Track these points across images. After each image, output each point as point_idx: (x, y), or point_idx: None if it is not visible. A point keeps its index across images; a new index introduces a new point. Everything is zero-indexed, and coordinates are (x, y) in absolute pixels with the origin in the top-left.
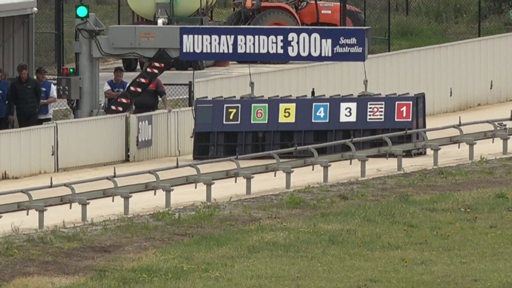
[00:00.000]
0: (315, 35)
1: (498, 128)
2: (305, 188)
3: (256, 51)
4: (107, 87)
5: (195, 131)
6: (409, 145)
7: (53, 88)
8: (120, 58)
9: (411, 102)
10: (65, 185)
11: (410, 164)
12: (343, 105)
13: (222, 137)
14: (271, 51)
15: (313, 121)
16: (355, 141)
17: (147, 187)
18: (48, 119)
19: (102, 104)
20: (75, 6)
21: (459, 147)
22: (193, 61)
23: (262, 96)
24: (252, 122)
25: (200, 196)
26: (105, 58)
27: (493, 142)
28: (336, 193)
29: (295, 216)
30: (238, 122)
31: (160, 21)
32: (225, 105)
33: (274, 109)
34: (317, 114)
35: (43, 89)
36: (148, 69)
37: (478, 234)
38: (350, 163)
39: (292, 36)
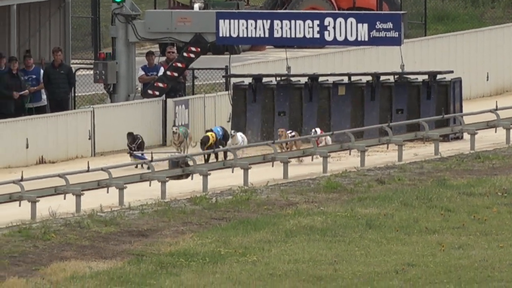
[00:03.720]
0: (351, 20)
1: None
2: (342, 173)
3: (293, 35)
4: (141, 73)
5: (232, 115)
6: (446, 130)
7: (42, 73)
8: (157, 42)
9: None
10: (102, 169)
11: (447, 148)
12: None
13: (259, 121)
14: (307, 36)
15: None
16: (392, 125)
17: (184, 172)
18: (44, 107)
19: (139, 89)
20: None
21: (496, 132)
22: (230, 46)
23: (299, 80)
24: None
25: (237, 180)
26: (141, 42)
27: None
28: (373, 178)
29: (332, 201)
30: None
31: (196, 5)
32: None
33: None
34: None
35: (33, 76)
36: (185, 54)
37: None
38: (387, 148)
39: (328, 20)
